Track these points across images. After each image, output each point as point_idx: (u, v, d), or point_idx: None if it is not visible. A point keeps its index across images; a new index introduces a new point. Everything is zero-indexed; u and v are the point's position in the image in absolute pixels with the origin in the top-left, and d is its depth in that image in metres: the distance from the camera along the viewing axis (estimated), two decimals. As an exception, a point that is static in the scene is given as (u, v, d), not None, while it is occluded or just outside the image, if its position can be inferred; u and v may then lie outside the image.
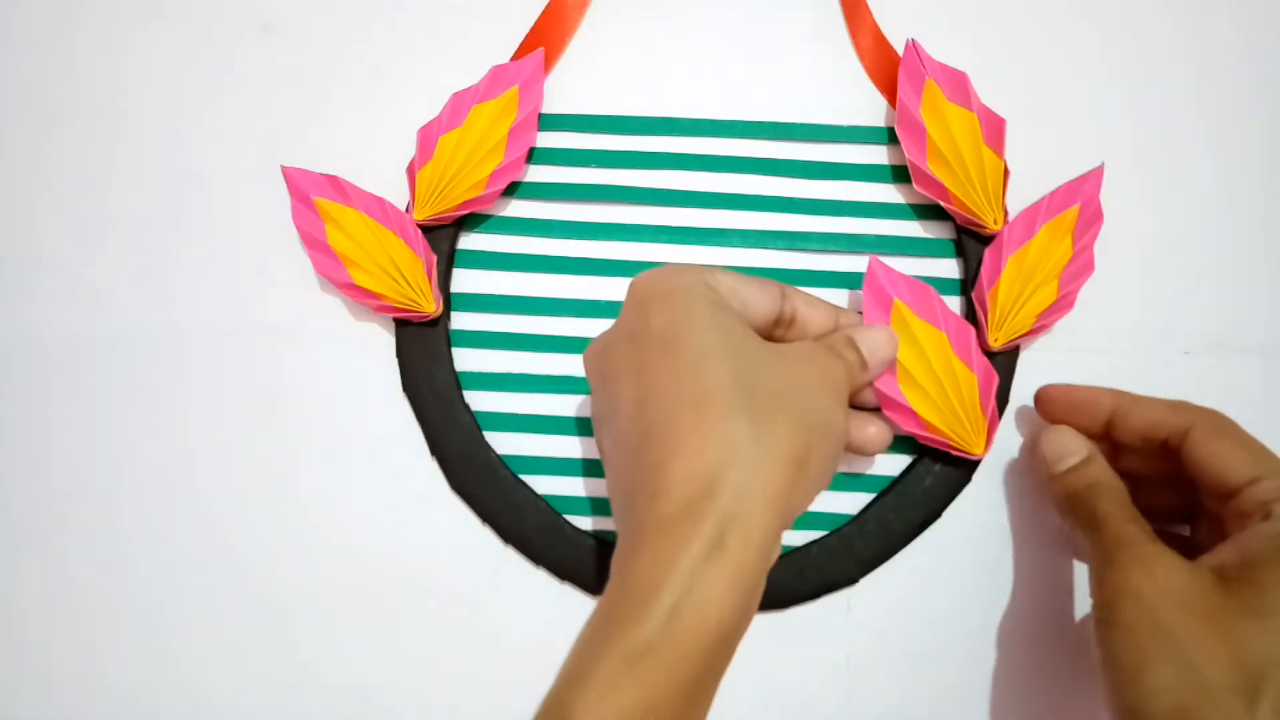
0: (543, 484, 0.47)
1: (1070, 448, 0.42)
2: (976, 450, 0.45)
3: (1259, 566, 0.36)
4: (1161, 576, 0.36)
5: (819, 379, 0.37)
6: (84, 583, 0.47)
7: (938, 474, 0.46)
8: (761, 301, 0.39)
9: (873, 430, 0.42)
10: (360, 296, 0.46)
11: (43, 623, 0.47)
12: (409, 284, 0.46)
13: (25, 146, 0.50)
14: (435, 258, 0.47)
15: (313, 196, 0.47)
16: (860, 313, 0.44)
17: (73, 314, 0.49)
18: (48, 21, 0.51)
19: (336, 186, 0.47)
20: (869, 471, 0.47)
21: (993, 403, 0.45)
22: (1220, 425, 0.40)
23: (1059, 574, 0.47)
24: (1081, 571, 0.46)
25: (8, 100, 0.51)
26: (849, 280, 0.48)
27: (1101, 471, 0.41)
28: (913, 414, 0.44)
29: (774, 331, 0.41)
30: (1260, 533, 0.37)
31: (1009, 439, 0.47)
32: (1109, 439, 0.43)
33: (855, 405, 0.43)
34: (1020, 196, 0.47)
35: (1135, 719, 0.35)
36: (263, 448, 0.48)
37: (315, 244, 0.47)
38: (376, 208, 0.47)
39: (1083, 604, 0.46)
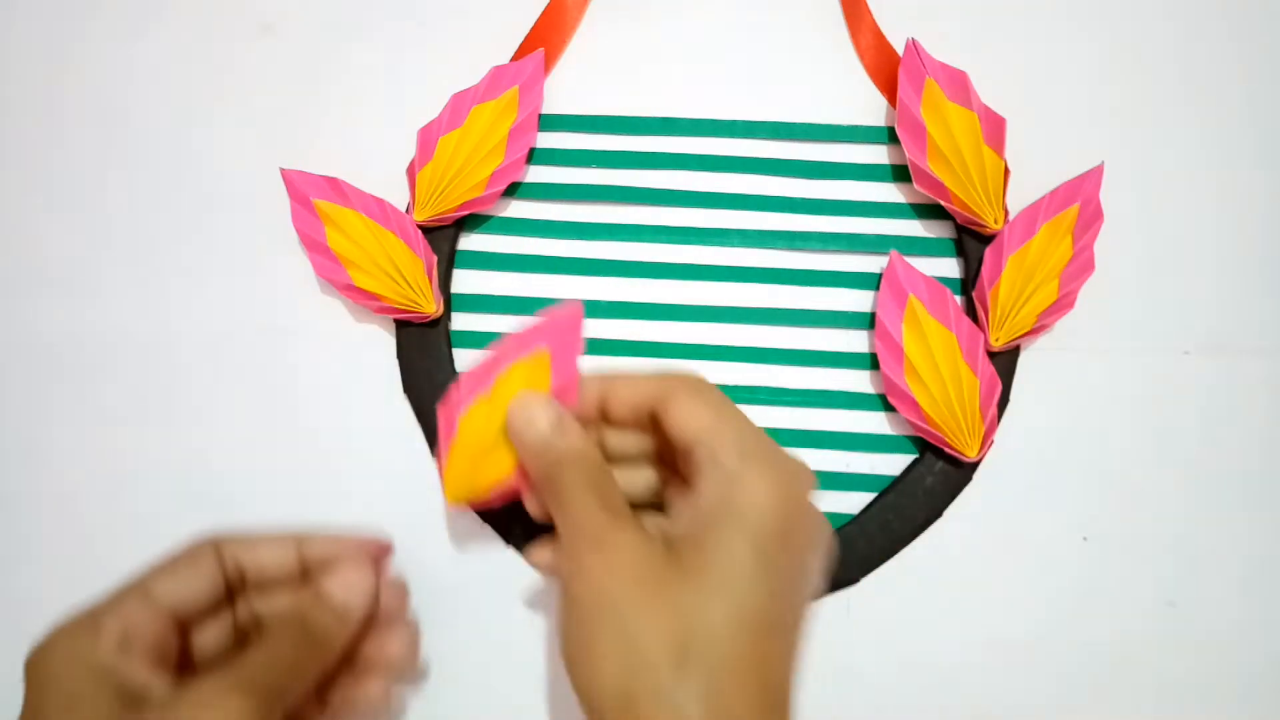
0: (543, 484, 0.47)
1: (534, 417, 0.36)
2: (970, 453, 0.45)
3: (701, 526, 0.33)
4: (613, 555, 0.33)
5: None
6: (84, 584, 0.47)
7: (938, 474, 0.46)
8: (188, 590, 0.36)
9: (395, 649, 0.39)
10: (360, 298, 0.46)
11: (39, 623, 0.47)
12: (409, 285, 0.46)
13: (26, 147, 0.50)
14: (435, 258, 0.47)
15: (312, 199, 0.47)
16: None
17: (72, 315, 0.49)
18: (48, 22, 0.51)
19: (336, 188, 0.47)
20: (870, 471, 0.47)
21: (993, 410, 0.45)
22: (695, 388, 0.36)
23: (1059, 574, 0.47)
24: (1081, 572, 0.47)
25: (8, 101, 0.51)
26: (848, 280, 0.48)
27: (570, 446, 0.36)
28: (915, 404, 0.45)
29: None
30: (707, 492, 0.34)
31: (1010, 440, 0.47)
32: (609, 425, 0.39)
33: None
34: (1020, 196, 0.47)
35: (587, 702, 0.32)
36: (263, 449, 0.48)
37: (315, 246, 0.47)
38: (376, 209, 0.47)
39: (1082, 604, 0.46)
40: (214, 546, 0.37)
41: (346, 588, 0.38)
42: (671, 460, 0.38)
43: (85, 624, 0.35)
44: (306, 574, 0.39)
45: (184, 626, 0.36)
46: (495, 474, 0.39)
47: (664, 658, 0.31)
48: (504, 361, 0.39)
